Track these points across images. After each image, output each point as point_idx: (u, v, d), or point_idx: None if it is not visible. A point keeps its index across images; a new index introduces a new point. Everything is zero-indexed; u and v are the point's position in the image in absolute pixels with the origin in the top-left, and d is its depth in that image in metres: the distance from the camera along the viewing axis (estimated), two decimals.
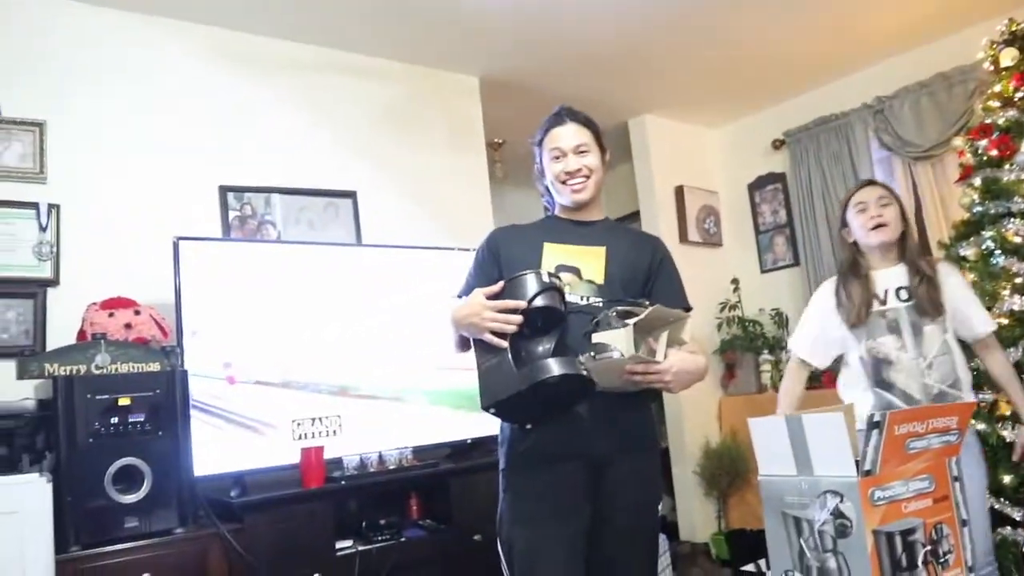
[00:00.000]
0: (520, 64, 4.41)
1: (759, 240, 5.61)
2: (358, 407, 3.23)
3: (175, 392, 2.67)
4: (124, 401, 2.56)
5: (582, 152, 2.19)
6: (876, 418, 1.45)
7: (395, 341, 3.34)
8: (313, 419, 3.09)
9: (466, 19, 3.82)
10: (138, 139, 3.34)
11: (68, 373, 2.59)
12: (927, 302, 2.58)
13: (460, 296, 2.21)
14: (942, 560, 1.51)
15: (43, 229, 3.02)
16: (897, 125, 4.66)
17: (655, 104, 5.30)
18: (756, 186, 5.60)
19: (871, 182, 2.88)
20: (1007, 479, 3.01)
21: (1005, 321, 3.14)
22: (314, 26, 3.75)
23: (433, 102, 4.33)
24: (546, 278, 1.94)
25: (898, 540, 1.44)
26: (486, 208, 4.37)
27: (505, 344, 1.91)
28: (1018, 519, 3.06)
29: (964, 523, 1.57)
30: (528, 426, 2.04)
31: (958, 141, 3.63)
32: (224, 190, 3.51)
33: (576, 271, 2.14)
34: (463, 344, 2.10)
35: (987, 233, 3.31)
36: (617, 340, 1.88)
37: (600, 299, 2.09)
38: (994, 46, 3.57)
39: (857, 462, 1.45)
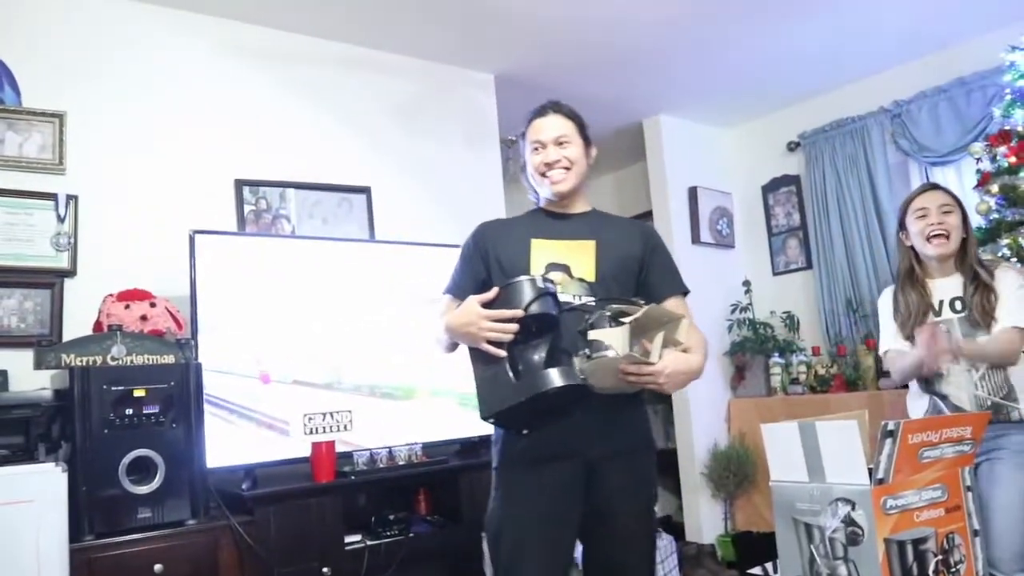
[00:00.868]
0: (535, 62, 4.41)
1: (772, 242, 5.59)
2: (369, 403, 3.25)
3: (189, 384, 2.69)
4: (139, 392, 2.58)
5: (563, 143, 2.16)
6: (890, 427, 1.46)
7: (406, 337, 3.35)
8: (324, 414, 3.10)
9: (483, 16, 3.82)
10: (155, 132, 3.35)
11: (84, 364, 2.61)
12: (980, 313, 2.57)
13: (447, 292, 2.23)
14: (953, 570, 1.51)
15: (61, 220, 3.05)
16: (914, 129, 4.64)
17: (670, 104, 5.29)
18: (770, 188, 5.59)
19: (934, 186, 2.81)
20: None
21: None
22: (332, 21, 3.77)
23: (448, 99, 4.34)
24: (540, 283, 1.92)
25: (910, 549, 1.45)
26: (499, 205, 4.38)
27: (503, 354, 1.90)
28: None
29: (976, 533, 1.57)
30: (524, 431, 2.03)
31: (976, 147, 3.62)
32: (240, 184, 3.53)
33: (566, 269, 2.11)
34: (452, 346, 2.11)
35: (1004, 240, 3.31)
36: (612, 339, 1.86)
37: (593, 297, 2.06)
38: (1015, 51, 3.56)
39: (870, 470, 1.46)
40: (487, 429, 3.41)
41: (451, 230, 3.97)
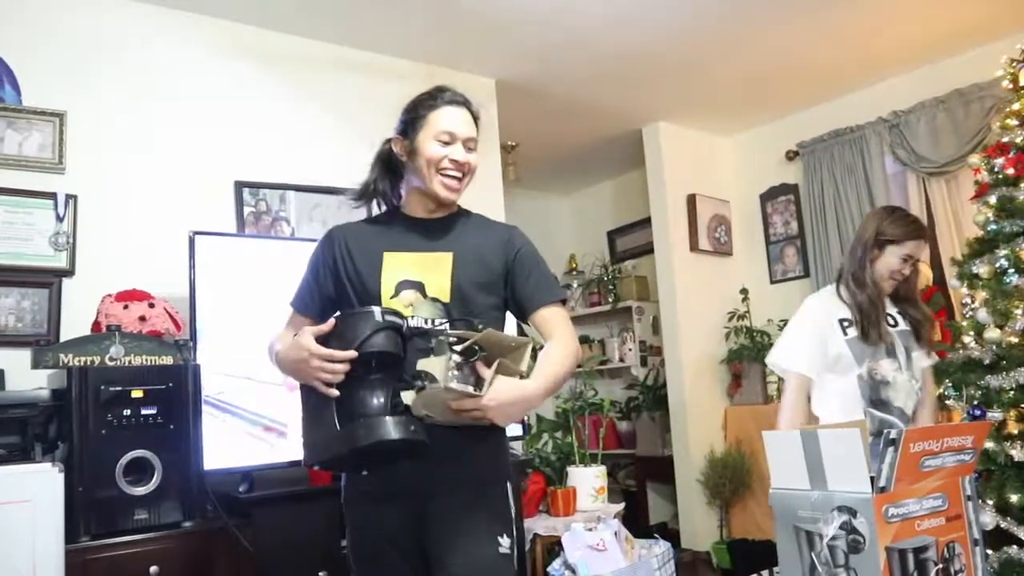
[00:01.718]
0: (536, 68, 4.42)
1: (769, 250, 5.61)
2: None
3: (187, 386, 2.68)
4: (137, 393, 2.57)
5: (471, 148, 1.97)
6: (892, 435, 1.46)
7: None
8: None
9: (485, 21, 3.83)
10: (156, 133, 3.35)
11: (82, 364, 2.60)
12: (918, 329, 2.82)
13: (292, 305, 2.07)
14: None
15: (60, 219, 3.04)
16: (912, 140, 4.66)
17: (669, 112, 5.30)
18: (768, 196, 5.60)
19: (924, 234, 2.90)
20: (1014, 498, 3.00)
21: (1015, 340, 3.14)
22: (334, 24, 3.77)
23: None
24: (378, 317, 1.73)
25: (911, 558, 1.45)
26: (499, 210, 4.38)
27: (334, 394, 1.72)
28: None
29: (976, 542, 1.57)
30: (364, 472, 1.87)
31: (974, 158, 3.63)
32: (239, 186, 3.53)
33: (420, 287, 1.89)
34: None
35: (1001, 251, 3.30)
36: (434, 369, 1.68)
37: (446, 320, 1.87)
38: (1013, 64, 3.56)
39: (871, 478, 1.46)
40: None
41: None
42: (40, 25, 3.17)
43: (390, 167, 2.08)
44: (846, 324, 2.75)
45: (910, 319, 2.84)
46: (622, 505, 4.09)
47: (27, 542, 2.24)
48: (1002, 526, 3.00)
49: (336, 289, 1.98)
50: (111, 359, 2.65)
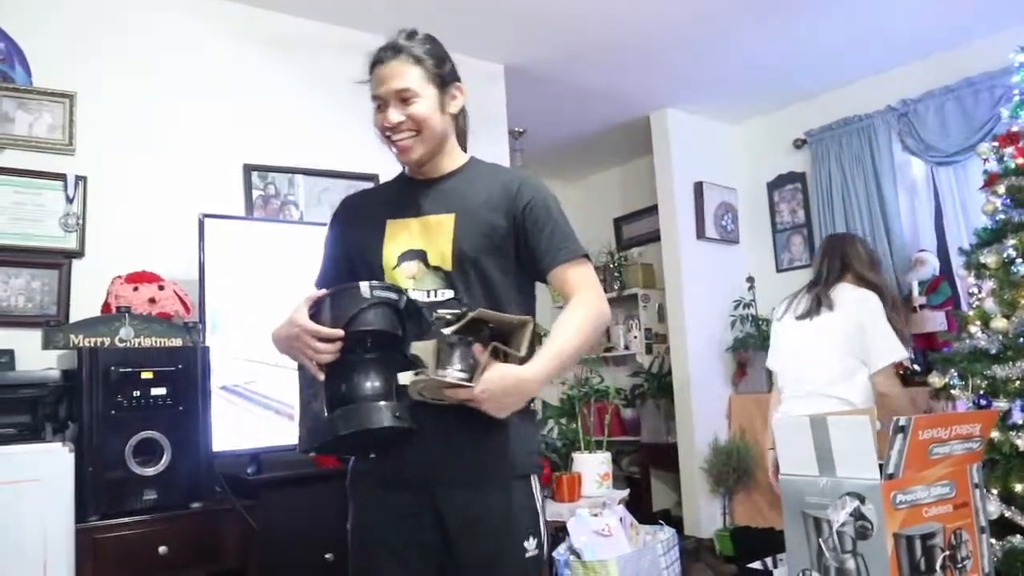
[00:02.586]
0: (545, 52, 4.41)
1: (776, 239, 5.60)
2: None
3: (197, 368, 2.69)
4: (146, 375, 2.58)
5: (407, 99, 1.73)
6: (901, 422, 1.47)
7: None
8: None
9: (493, 6, 3.82)
10: (165, 115, 3.35)
11: (92, 345, 2.61)
12: None
13: (315, 284, 1.91)
14: (960, 565, 1.52)
15: (70, 201, 3.05)
16: (921, 129, 4.64)
17: (677, 98, 5.29)
18: (775, 185, 5.59)
19: None
20: (1019, 488, 3.01)
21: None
22: (342, 8, 3.76)
23: None
24: (367, 292, 1.60)
25: (918, 544, 1.46)
26: None
27: (320, 376, 1.61)
28: None
29: (983, 530, 1.58)
30: (372, 456, 1.75)
31: (983, 148, 3.62)
32: (248, 169, 3.53)
33: (423, 256, 1.73)
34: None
35: (1009, 241, 3.30)
36: (424, 354, 1.54)
37: (451, 290, 1.70)
38: (1023, 53, 3.56)
39: (880, 465, 1.47)
40: None
41: None
42: (51, 6, 3.16)
43: None
44: None
45: None
46: (626, 491, 4.11)
47: (37, 521, 2.26)
48: (1006, 515, 3.01)
49: (348, 264, 1.86)
50: (121, 340, 2.66)
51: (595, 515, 3.03)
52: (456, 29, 4.05)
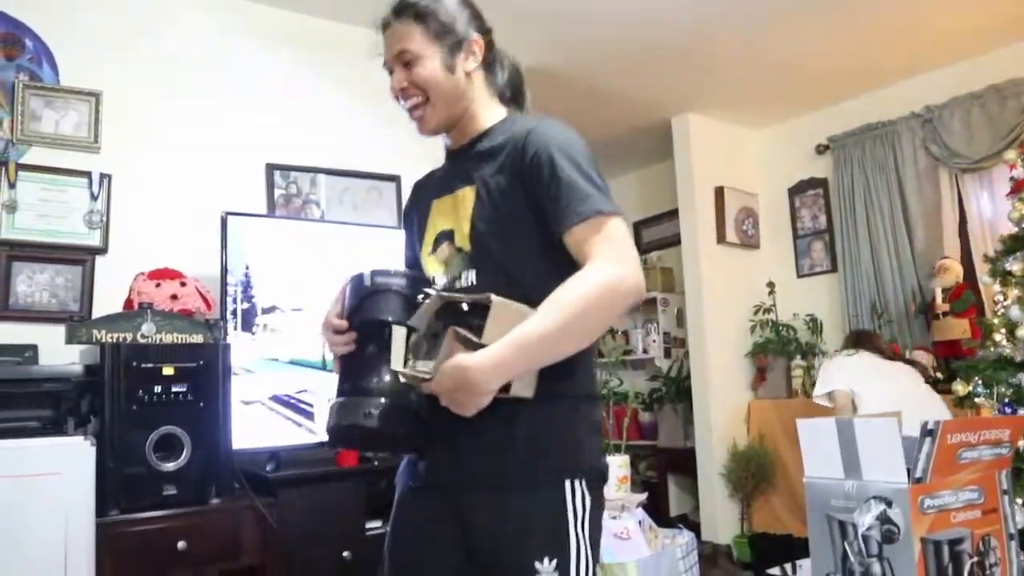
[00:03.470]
0: (568, 55, 4.40)
1: (797, 244, 5.57)
2: None
3: (218, 364, 2.70)
4: (168, 371, 2.59)
5: (408, 61, 1.58)
6: (929, 426, 1.45)
7: None
8: None
9: (518, 7, 3.82)
10: (189, 114, 3.37)
11: (115, 340, 2.62)
12: None
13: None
14: (988, 572, 1.50)
15: (94, 198, 3.07)
16: (946, 135, 4.60)
17: (700, 103, 5.27)
18: (797, 190, 5.56)
19: None
20: None
21: None
22: (367, 9, 3.71)
23: None
24: (367, 280, 1.49)
25: (946, 549, 1.44)
26: None
27: (337, 370, 1.52)
28: None
29: (1012, 537, 1.56)
30: (413, 456, 1.59)
31: (1010, 154, 3.59)
32: (271, 168, 3.55)
33: (451, 236, 1.56)
34: None
35: None
36: (397, 343, 1.43)
37: (473, 272, 1.50)
38: None
39: (908, 469, 1.45)
40: None
41: None
42: (78, 6, 3.19)
43: None
44: None
45: None
46: (645, 495, 4.09)
47: (58, 513, 2.27)
48: None
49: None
50: (143, 336, 2.68)
51: (614, 518, 3.02)
52: None
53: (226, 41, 3.54)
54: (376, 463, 2.98)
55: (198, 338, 2.76)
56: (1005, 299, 3.32)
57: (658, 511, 5.40)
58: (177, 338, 2.73)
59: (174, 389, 2.60)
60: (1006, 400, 3.13)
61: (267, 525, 2.68)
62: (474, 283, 1.49)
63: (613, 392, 4.23)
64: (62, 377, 2.52)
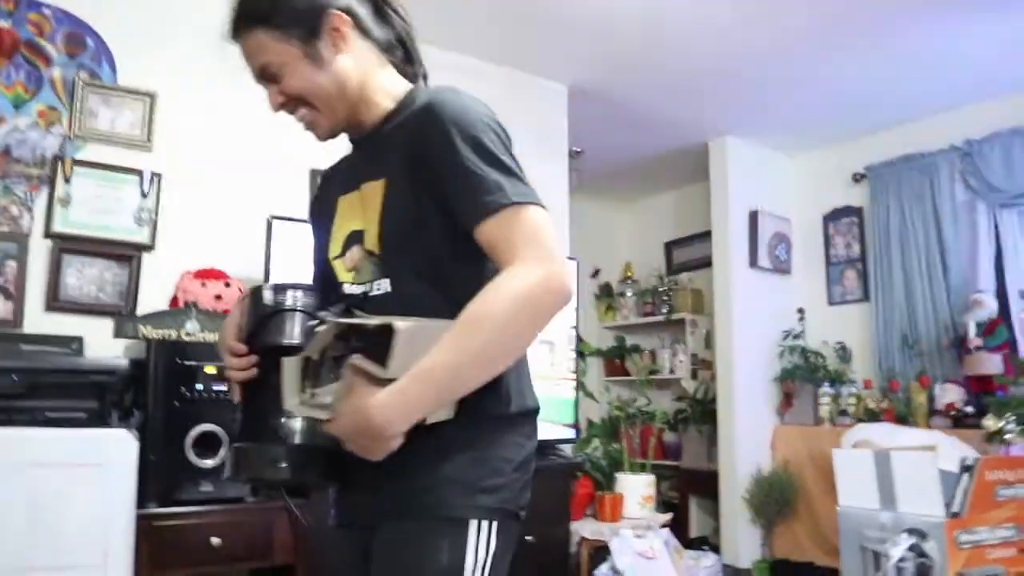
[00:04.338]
0: (609, 75, 4.44)
1: (829, 272, 5.56)
2: None
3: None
4: (210, 369, 2.65)
5: (272, 75, 1.39)
6: (968, 462, 1.47)
7: None
8: None
9: (561, 26, 3.87)
10: (239, 118, 3.43)
11: (160, 337, 2.69)
12: None
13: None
14: None
15: (144, 196, 3.14)
16: (985, 169, 4.59)
17: (738, 127, 5.29)
18: (831, 217, 5.55)
19: None
20: None
21: None
22: (413, 14, 3.83)
23: (521, 106, 4.37)
24: (268, 299, 1.29)
25: None
26: (563, 216, 4.41)
27: (236, 398, 1.31)
28: None
29: None
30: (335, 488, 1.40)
31: None
32: (315, 174, 3.60)
33: (360, 238, 1.34)
34: None
35: None
36: (289, 375, 1.22)
37: (387, 281, 1.30)
38: None
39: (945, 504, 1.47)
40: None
41: None
42: (141, 7, 3.26)
43: None
44: None
45: None
46: (670, 515, 4.10)
47: (100, 503, 2.34)
48: None
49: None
50: (187, 334, 2.74)
51: (638, 536, 3.04)
52: (525, 48, 4.11)
53: None
54: None
55: None
56: None
57: (679, 532, 5.40)
58: None
59: (215, 388, 2.66)
60: None
61: (300, 526, 2.72)
62: (389, 291, 1.29)
63: (640, 411, 4.24)
64: (109, 370, 2.58)
